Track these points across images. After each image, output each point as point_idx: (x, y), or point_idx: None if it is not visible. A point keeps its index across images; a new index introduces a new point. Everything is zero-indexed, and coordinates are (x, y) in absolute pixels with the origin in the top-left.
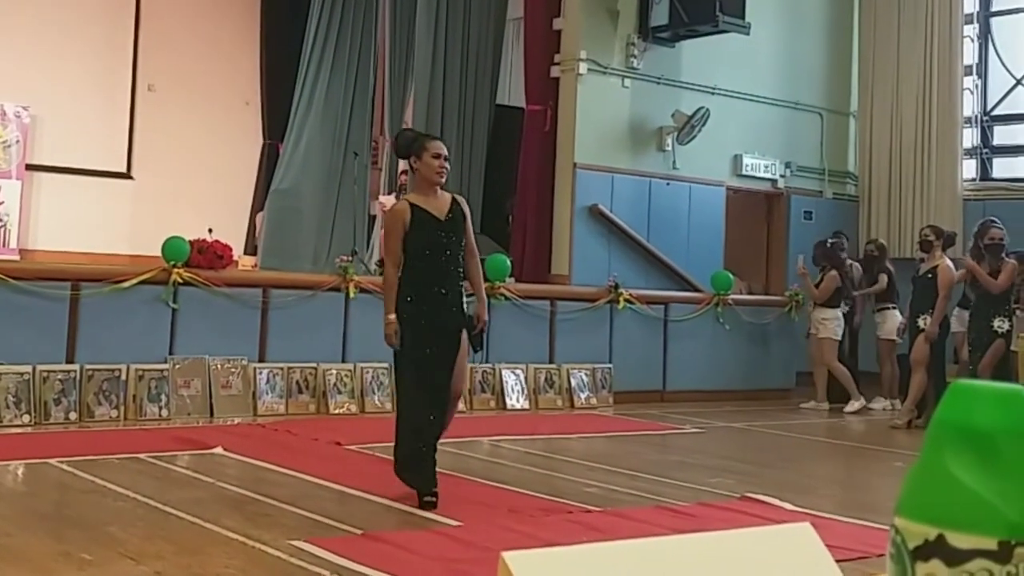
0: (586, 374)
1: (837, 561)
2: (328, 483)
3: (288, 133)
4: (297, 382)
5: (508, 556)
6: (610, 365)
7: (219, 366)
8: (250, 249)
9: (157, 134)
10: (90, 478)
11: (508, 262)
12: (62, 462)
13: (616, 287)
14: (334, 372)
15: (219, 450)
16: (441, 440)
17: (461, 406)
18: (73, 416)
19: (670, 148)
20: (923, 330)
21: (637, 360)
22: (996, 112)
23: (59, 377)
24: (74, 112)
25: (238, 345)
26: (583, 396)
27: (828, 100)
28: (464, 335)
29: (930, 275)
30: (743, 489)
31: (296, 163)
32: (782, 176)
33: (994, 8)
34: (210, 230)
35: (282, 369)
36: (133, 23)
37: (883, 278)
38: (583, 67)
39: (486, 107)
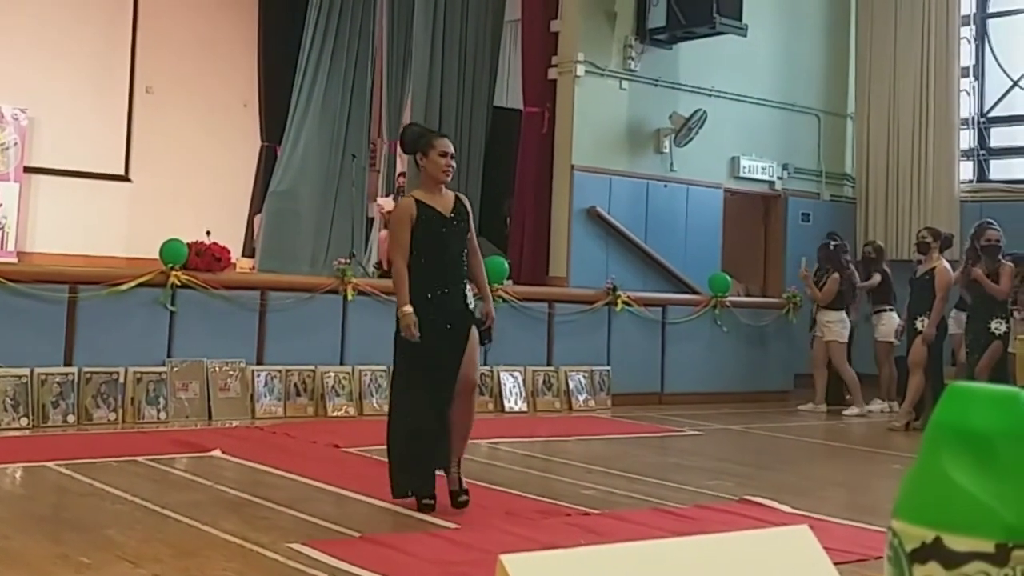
0: (584, 376)
1: (835, 564)
2: (326, 486)
3: (286, 135)
4: (295, 385)
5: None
6: (608, 367)
7: (217, 369)
8: (248, 251)
9: (155, 136)
10: (88, 481)
11: (506, 264)
12: (60, 465)
13: (614, 289)
14: (332, 375)
15: (217, 453)
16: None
17: None
18: (71, 419)
19: (667, 150)
20: (921, 332)
21: (635, 362)
22: (993, 114)
23: (57, 380)
24: (72, 114)
25: (236, 348)
26: (581, 398)
27: (825, 102)
28: (474, 330)
29: (927, 277)
30: (741, 491)
31: (294, 165)
32: (779, 178)
33: (991, 10)
34: (208, 232)
35: (280, 372)
36: (131, 25)
37: (876, 277)
38: (580, 69)
39: (484, 109)
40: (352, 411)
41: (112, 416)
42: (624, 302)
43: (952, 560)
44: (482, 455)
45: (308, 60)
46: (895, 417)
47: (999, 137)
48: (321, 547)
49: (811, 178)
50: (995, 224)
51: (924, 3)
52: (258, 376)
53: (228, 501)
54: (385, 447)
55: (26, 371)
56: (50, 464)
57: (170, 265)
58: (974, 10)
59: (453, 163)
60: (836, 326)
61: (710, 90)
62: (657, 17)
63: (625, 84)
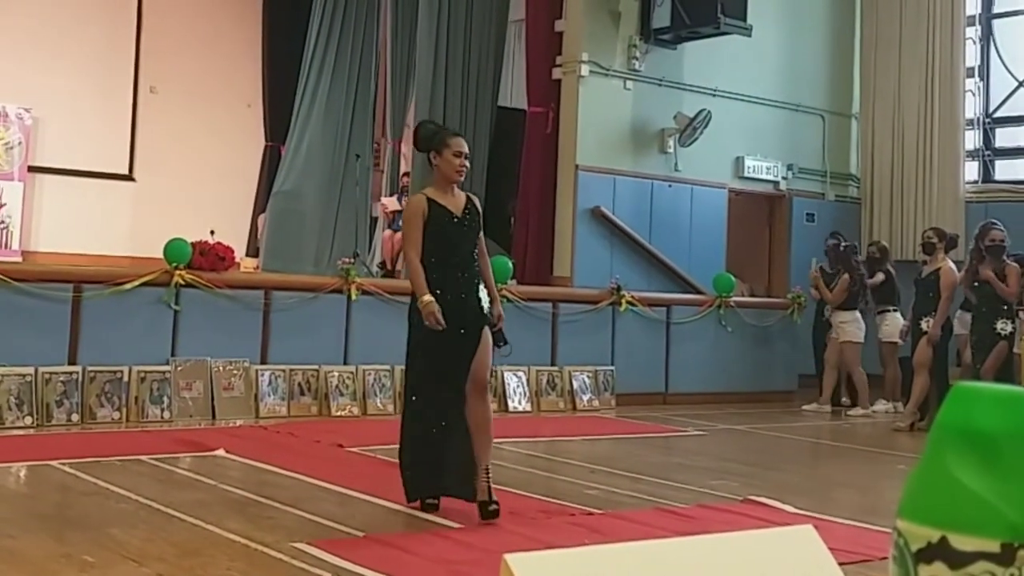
0: (588, 376)
1: (839, 564)
2: (330, 485)
3: (290, 135)
4: (299, 384)
5: (510, 558)
6: (612, 367)
7: (221, 368)
8: (252, 251)
9: (159, 136)
10: (92, 480)
11: (510, 264)
12: (64, 464)
13: (618, 289)
14: (336, 374)
15: (221, 452)
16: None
17: None
18: (75, 418)
19: (672, 150)
20: (926, 333)
21: (639, 362)
22: (998, 114)
23: (61, 379)
24: (76, 114)
25: (240, 347)
26: (585, 398)
27: (830, 102)
28: (486, 331)
29: (932, 277)
30: (745, 491)
31: (298, 165)
32: (784, 178)
33: (996, 10)
34: (212, 232)
35: (284, 371)
36: (135, 25)
37: (879, 276)
38: (585, 69)
39: (488, 109)
40: (356, 411)
41: (116, 415)
42: (628, 302)
43: (958, 560)
44: None
45: (312, 60)
46: (900, 418)
47: (1004, 137)
48: (325, 546)
49: (816, 178)
50: (999, 224)
51: (929, 3)
52: (262, 375)
53: (232, 500)
54: (397, 449)
55: (30, 370)
56: (54, 463)
57: (174, 264)
58: (979, 10)
59: (467, 163)
60: (850, 326)
61: (714, 90)
62: (661, 17)
63: (629, 84)
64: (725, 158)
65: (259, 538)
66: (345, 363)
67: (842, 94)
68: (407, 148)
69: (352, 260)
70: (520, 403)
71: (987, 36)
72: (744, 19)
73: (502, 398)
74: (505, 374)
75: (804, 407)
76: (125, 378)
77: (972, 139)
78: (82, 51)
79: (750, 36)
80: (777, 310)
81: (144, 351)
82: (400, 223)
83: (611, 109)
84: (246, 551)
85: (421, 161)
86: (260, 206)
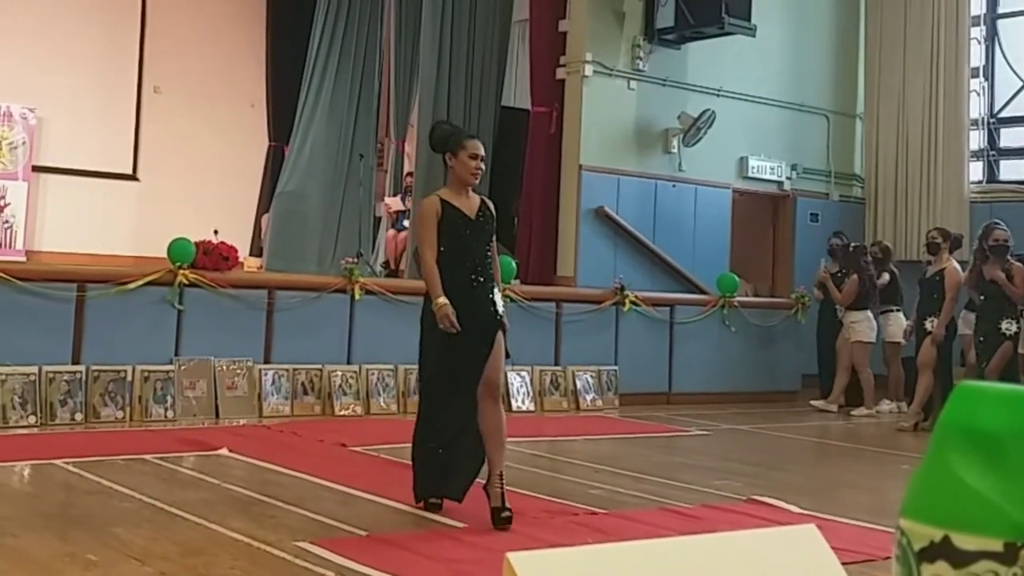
0: (592, 376)
1: (843, 564)
2: (333, 484)
3: (293, 135)
4: (302, 384)
5: (513, 556)
6: (616, 367)
7: (224, 367)
8: (255, 251)
9: (163, 136)
10: (96, 479)
11: (513, 264)
12: (68, 463)
13: (622, 289)
14: (339, 374)
15: (224, 451)
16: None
17: None
18: (79, 417)
19: (676, 150)
20: (930, 333)
21: (643, 362)
22: (1003, 114)
23: (65, 378)
24: (80, 114)
25: (243, 346)
26: (588, 398)
27: (834, 102)
28: (500, 335)
29: (937, 278)
30: (749, 491)
31: (301, 165)
32: (788, 178)
33: (1001, 10)
34: (216, 231)
35: (287, 371)
36: (139, 25)
37: (884, 276)
38: (589, 69)
39: (491, 109)
40: (359, 410)
41: (120, 414)
42: (632, 302)
43: (961, 559)
44: None
45: (316, 60)
46: (904, 418)
47: (1009, 138)
48: (328, 545)
49: (820, 178)
50: (1002, 224)
51: (934, 3)
52: (265, 375)
53: (235, 499)
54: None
55: (34, 369)
56: (58, 462)
57: (178, 264)
58: (984, 10)
59: (482, 165)
60: (860, 326)
61: (719, 90)
62: (665, 17)
63: (633, 84)
64: (729, 158)
65: (262, 537)
66: (348, 363)
67: (846, 94)
68: (411, 148)
69: (355, 260)
70: (524, 403)
71: (992, 36)
72: (748, 19)
73: (505, 398)
74: (509, 374)
75: (812, 401)
76: (129, 377)
77: (977, 139)
78: (86, 51)
79: (754, 36)
80: (781, 310)
81: (148, 350)
82: (403, 223)
83: (615, 109)
84: (249, 550)
85: (425, 161)
86: (264, 206)
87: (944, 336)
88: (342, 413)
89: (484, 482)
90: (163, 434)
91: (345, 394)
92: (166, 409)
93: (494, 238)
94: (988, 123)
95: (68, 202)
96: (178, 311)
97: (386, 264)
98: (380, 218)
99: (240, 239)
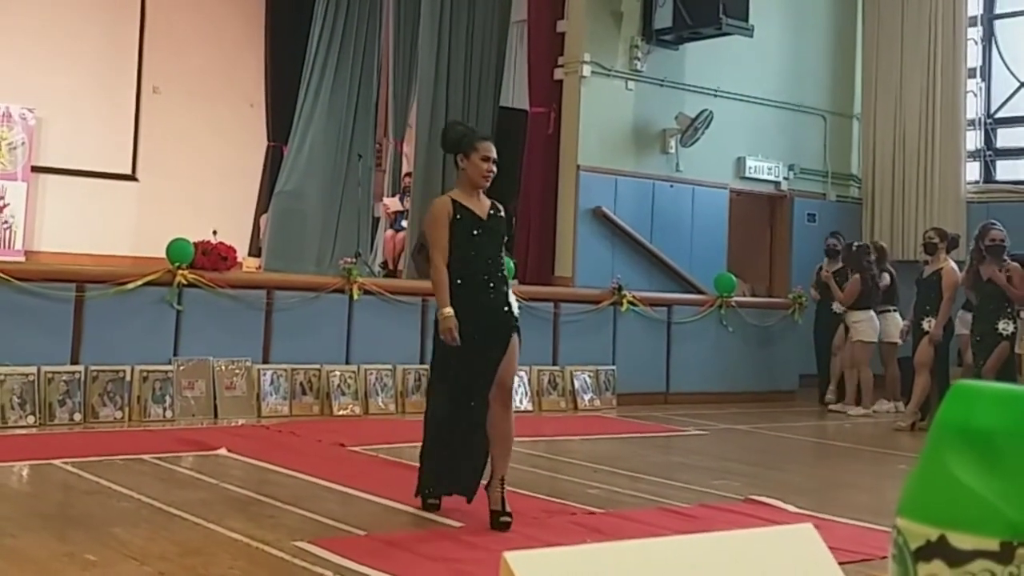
0: (589, 376)
1: (840, 563)
2: (331, 484)
3: (292, 135)
4: (301, 384)
5: (510, 556)
6: (613, 367)
7: (223, 367)
8: (254, 251)
9: (162, 136)
10: (94, 479)
11: (512, 264)
12: (66, 463)
13: (619, 289)
14: (338, 374)
15: (223, 451)
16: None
17: None
18: (77, 417)
19: (673, 150)
20: (927, 333)
21: (640, 362)
22: (999, 115)
23: (64, 378)
24: (79, 114)
25: (242, 347)
26: (586, 398)
27: (832, 102)
28: (515, 338)
29: (934, 278)
30: (746, 491)
31: (300, 165)
32: (785, 178)
33: (998, 11)
34: (214, 232)
35: (286, 371)
36: (138, 25)
37: (886, 276)
38: (587, 69)
39: (490, 109)
40: (358, 410)
41: (118, 414)
42: (630, 302)
43: (957, 558)
44: None
45: (315, 60)
46: (901, 417)
47: (1006, 138)
48: (327, 545)
49: (817, 179)
50: (998, 224)
51: (931, 4)
52: (264, 375)
53: (234, 499)
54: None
55: (33, 369)
56: (56, 462)
57: (177, 264)
58: (981, 11)
59: (494, 167)
60: (862, 325)
61: (716, 90)
62: (663, 17)
63: (631, 84)
64: (726, 158)
65: (261, 537)
66: (347, 363)
67: (844, 94)
68: (409, 148)
69: (354, 260)
70: (521, 403)
71: (989, 37)
72: (746, 19)
73: None
74: None
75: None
76: (127, 377)
77: (973, 139)
78: (85, 51)
79: (752, 36)
80: (778, 310)
81: (146, 351)
82: (402, 223)
83: (613, 109)
84: (248, 550)
85: (423, 161)
86: (262, 206)
87: (941, 336)
88: (340, 413)
89: (486, 482)
90: (162, 434)
91: (343, 394)
92: (165, 409)
93: (505, 240)
94: (985, 123)
95: (67, 202)
96: (177, 311)
97: (384, 264)
98: (378, 218)
99: (239, 239)
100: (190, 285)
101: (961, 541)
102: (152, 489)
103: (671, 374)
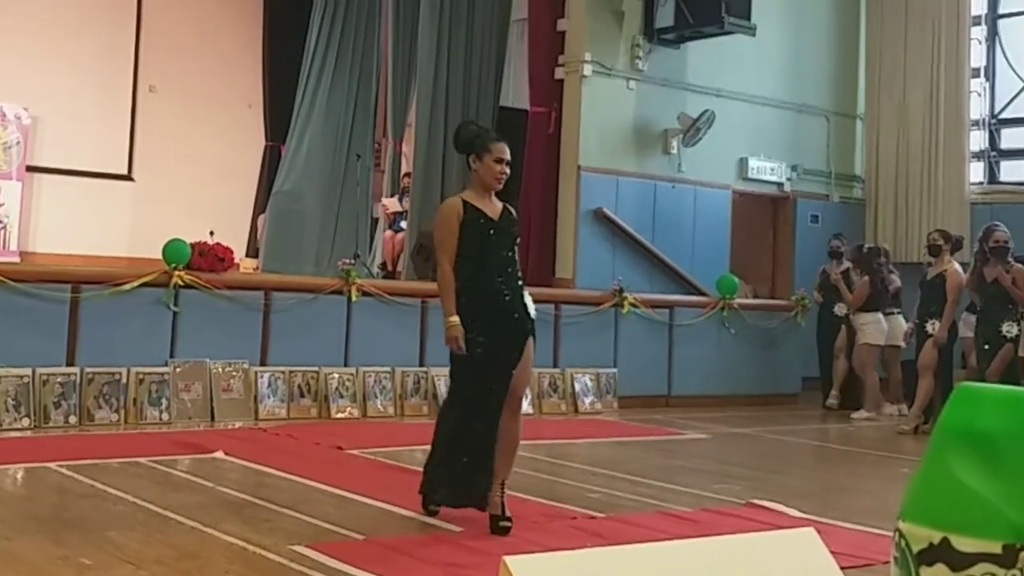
0: (590, 379)
1: (842, 568)
2: (329, 488)
3: (290, 135)
4: (299, 386)
5: (509, 560)
6: (615, 369)
7: (220, 370)
8: (252, 252)
9: (158, 136)
10: (90, 482)
11: None
12: (62, 466)
13: (621, 291)
14: (336, 376)
15: (220, 454)
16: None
17: None
18: (73, 420)
19: (675, 151)
20: (931, 335)
21: (642, 364)
22: (1004, 115)
23: (59, 380)
24: (75, 113)
25: (239, 348)
26: (587, 401)
27: (835, 103)
28: (530, 342)
29: (938, 280)
30: (748, 495)
31: (298, 165)
32: (788, 179)
33: (1002, 10)
34: (211, 232)
35: (283, 373)
36: (134, 24)
37: (895, 279)
38: (587, 69)
39: (490, 109)
40: (356, 413)
41: (114, 417)
42: (631, 304)
43: (959, 561)
44: None
45: (313, 60)
46: (904, 421)
47: (1010, 138)
48: (324, 549)
49: (820, 179)
50: (1002, 226)
51: (934, 4)
52: (261, 377)
53: (230, 503)
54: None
55: (28, 371)
56: (51, 465)
57: (173, 265)
58: (985, 11)
59: (507, 169)
60: (870, 327)
61: (718, 90)
62: (665, 17)
63: (632, 84)
64: (729, 159)
65: (257, 541)
66: (345, 365)
67: (847, 95)
68: (408, 148)
69: (352, 261)
70: (522, 405)
71: (993, 37)
72: (748, 19)
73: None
74: None
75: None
76: (123, 379)
77: (977, 140)
78: (81, 50)
79: (754, 36)
80: (781, 312)
81: (143, 352)
82: (401, 224)
83: (614, 109)
84: (244, 554)
85: (423, 162)
86: (260, 206)
87: (945, 339)
88: (339, 416)
89: None
90: (158, 437)
91: (342, 396)
92: (161, 412)
93: (518, 242)
94: (989, 124)
95: (63, 202)
96: (173, 312)
97: (383, 265)
98: (377, 219)
99: (236, 240)
100: (187, 286)
101: (964, 544)
102: (148, 492)
103: (673, 377)
